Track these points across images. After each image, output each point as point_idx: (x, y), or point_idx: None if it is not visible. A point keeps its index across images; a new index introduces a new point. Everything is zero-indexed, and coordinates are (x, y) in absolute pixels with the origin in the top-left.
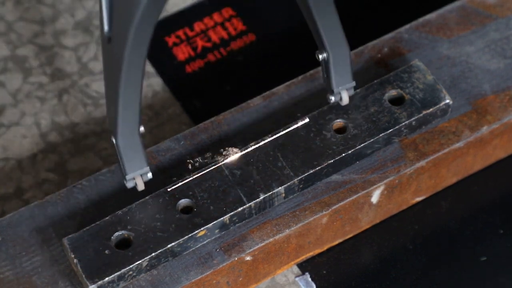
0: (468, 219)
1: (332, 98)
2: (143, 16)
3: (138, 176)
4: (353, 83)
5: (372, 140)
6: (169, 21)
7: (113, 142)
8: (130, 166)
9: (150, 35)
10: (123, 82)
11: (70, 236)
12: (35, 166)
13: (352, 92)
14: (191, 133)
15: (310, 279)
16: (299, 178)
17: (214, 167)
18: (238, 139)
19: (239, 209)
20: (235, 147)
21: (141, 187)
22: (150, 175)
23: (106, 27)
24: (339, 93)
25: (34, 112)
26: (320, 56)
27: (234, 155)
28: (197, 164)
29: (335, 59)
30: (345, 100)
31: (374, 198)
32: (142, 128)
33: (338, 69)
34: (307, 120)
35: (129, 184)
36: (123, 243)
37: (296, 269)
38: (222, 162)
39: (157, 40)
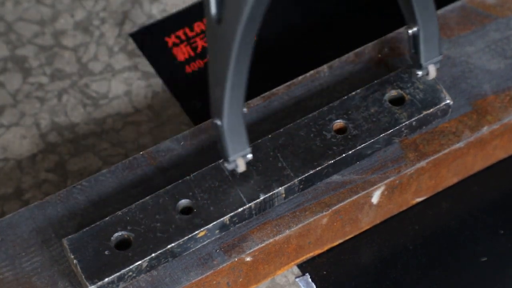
0: (469, 219)
1: (419, 73)
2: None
3: (239, 158)
4: (441, 57)
5: (372, 140)
6: (169, 21)
7: (216, 124)
8: (233, 148)
9: (262, 16)
10: (232, 62)
11: (69, 236)
12: (35, 166)
13: (438, 65)
14: (191, 134)
15: (310, 280)
16: (299, 178)
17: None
18: None
19: (239, 210)
20: None
21: (242, 168)
22: (250, 155)
23: (213, 9)
24: (427, 68)
25: (33, 112)
26: (410, 31)
27: None
28: None
29: (425, 34)
30: (432, 74)
31: (375, 199)
32: (245, 109)
33: (427, 43)
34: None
35: (231, 166)
36: (123, 244)
37: (296, 270)
38: None
39: (157, 41)
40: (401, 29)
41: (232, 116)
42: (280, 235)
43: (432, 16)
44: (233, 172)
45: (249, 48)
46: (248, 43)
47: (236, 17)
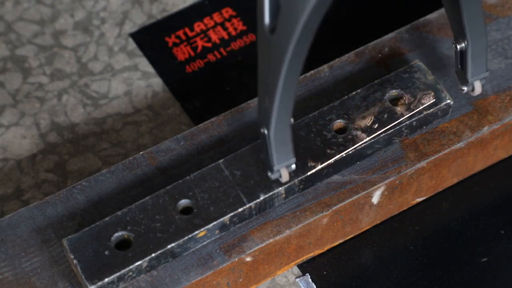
0: (469, 219)
1: (465, 89)
2: (314, 10)
3: (284, 168)
4: (487, 73)
5: (372, 140)
6: (169, 21)
7: (263, 133)
8: (279, 158)
9: (316, 27)
10: (284, 72)
11: (69, 236)
12: (35, 166)
13: (484, 82)
14: (191, 134)
15: (310, 280)
16: (300, 178)
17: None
18: (238, 140)
19: (239, 210)
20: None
21: (286, 178)
22: (294, 166)
23: (267, 18)
24: (472, 84)
25: (33, 112)
26: (459, 47)
27: None
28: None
29: (474, 50)
30: (478, 90)
31: (375, 199)
32: (292, 120)
33: (475, 59)
34: None
35: (274, 176)
36: (123, 244)
37: (296, 270)
38: None
39: (157, 41)
40: (402, 29)
41: (279, 126)
42: (280, 235)
43: (482, 33)
44: (233, 172)
45: (302, 59)
46: (301, 54)
47: (291, 27)
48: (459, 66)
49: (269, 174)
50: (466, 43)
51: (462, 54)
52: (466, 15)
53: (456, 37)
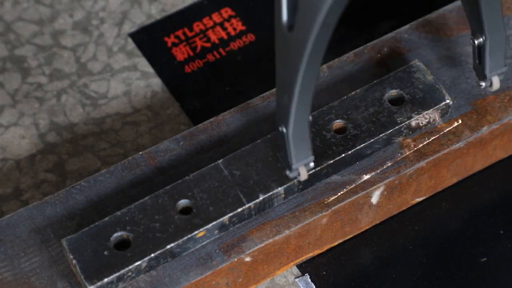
0: (468, 219)
1: (483, 84)
2: (332, 7)
3: (302, 166)
4: (505, 68)
5: (372, 140)
6: (168, 21)
7: (281, 131)
8: (297, 156)
9: (335, 24)
10: (302, 70)
11: (69, 237)
12: (34, 166)
13: (502, 77)
14: (191, 134)
15: (309, 280)
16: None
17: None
18: (238, 140)
19: (239, 210)
20: None
21: (304, 176)
22: (312, 164)
23: (285, 16)
24: (490, 79)
25: (32, 112)
26: (476, 41)
27: None
28: None
29: (492, 45)
30: (496, 85)
31: (374, 199)
32: (310, 117)
33: (493, 54)
34: None
35: (293, 174)
36: (122, 244)
37: (295, 270)
38: None
39: (156, 41)
40: (401, 29)
41: (298, 124)
42: (280, 236)
43: (501, 27)
44: (232, 172)
45: (321, 56)
46: (320, 51)
47: (310, 24)
48: (477, 61)
49: (288, 172)
50: (484, 37)
51: (480, 49)
52: (484, 9)
53: (474, 32)
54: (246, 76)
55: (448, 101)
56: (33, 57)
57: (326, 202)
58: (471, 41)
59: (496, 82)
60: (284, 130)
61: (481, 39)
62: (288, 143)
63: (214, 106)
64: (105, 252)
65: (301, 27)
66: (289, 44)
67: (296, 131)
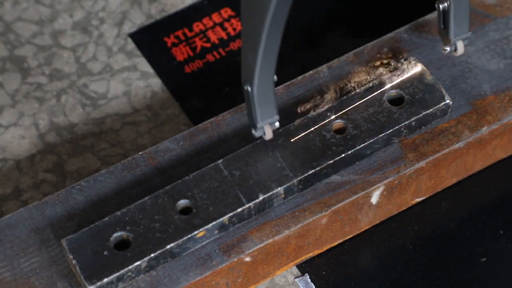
0: (468, 220)
1: (447, 49)
2: None
3: (267, 125)
4: (469, 33)
5: (371, 140)
6: (168, 21)
7: (246, 90)
8: (262, 115)
9: None
10: (267, 27)
11: (68, 237)
12: (34, 166)
13: (466, 42)
14: (190, 134)
15: (309, 280)
16: (299, 178)
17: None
18: (238, 140)
19: (238, 210)
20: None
21: (269, 135)
22: (278, 124)
23: None
24: (455, 44)
25: (32, 112)
26: (441, 6)
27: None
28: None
29: (456, 9)
30: (460, 50)
31: (374, 199)
32: (275, 77)
33: (457, 19)
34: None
35: (258, 133)
36: (122, 244)
37: (295, 270)
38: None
39: (156, 41)
40: (401, 29)
41: (262, 82)
42: (280, 236)
43: None
44: (232, 172)
45: (285, 13)
46: (283, 7)
47: None
48: (442, 26)
49: (253, 131)
50: (448, 2)
51: (445, 13)
52: None
53: None
54: None
55: (447, 101)
56: (33, 57)
57: (326, 202)
58: (436, 5)
59: (460, 47)
60: (249, 89)
61: (445, 4)
62: (253, 102)
63: (214, 106)
64: (105, 252)
65: None
66: (253, 3)
67: (260, 89)
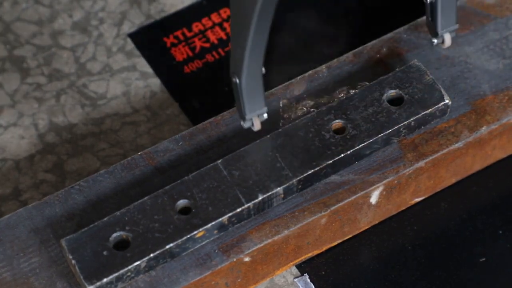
0: (467, 219)
1: (435, 41)
2: None
3: (256, 117)
4: (457, 26)
5: (371, 140)
6: (167, 21)
7: (235, 82)
8: (250, 106)
9: None
10: (255, 19)
11: (68, 237)
12: (33, 167)
13: (454, 35)
14: (190, 134)
15: (309, 280)
16: (298, 178)
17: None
18: (237, 140)
19: (238, 210)
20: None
21: (257, 127)
22: (266, 115)
23: None
24: (442, 36)
25: (32, 112)
26: None
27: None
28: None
29: (443, 2)
30: (448, 42)
31: (373, 199)
32: (263, 69)
33: (444, 11)
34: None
35: (247, 124)
36: (121, 244)
37: (295, 270)
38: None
39: (155, 41)
40: (400, 29)
41: (251, 74)
42: (279, 236)
43: None
44: (231, 172)
45: (273, 7)
46: (271, 2)
47: None
48: (430, 19)
49: (242, 123)
50: None
51: (432, 6)
52: None
53: None
54: None
55: (447, 101)
56: (32, 57)
57: (325, 202)
58: None
59: (447, 39)
60: (237, 81)
61: None
62: (241, 94)
63: (213, 106)
64: (104, 252)
65: None
66: None
67: (248, 81)
